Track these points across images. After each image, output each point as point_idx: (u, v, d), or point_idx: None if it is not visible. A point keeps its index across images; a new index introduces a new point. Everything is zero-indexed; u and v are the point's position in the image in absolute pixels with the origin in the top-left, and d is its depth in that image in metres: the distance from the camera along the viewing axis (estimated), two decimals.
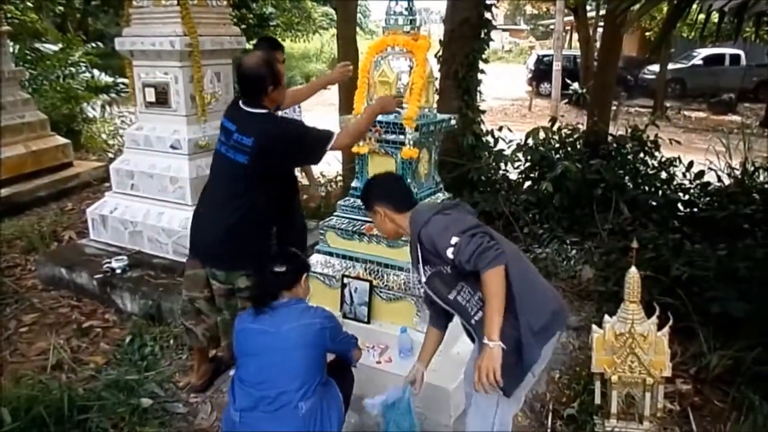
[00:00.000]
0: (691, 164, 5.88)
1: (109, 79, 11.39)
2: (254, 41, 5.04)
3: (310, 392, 2.38)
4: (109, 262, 4.44)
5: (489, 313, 2.15)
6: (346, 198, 3.68)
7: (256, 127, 2.87)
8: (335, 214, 3.65)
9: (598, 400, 3.04)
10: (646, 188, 5.88)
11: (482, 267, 2.12)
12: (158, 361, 3.67)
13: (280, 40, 4.68)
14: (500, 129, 6.45)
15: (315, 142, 2.94)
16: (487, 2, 6.19)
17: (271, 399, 2.37)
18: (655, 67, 17.29)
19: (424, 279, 2.39)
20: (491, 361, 2.11)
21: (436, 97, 4.33)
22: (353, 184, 3.66)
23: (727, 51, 18.67)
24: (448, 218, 2.29)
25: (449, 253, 2.17)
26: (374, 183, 2.67)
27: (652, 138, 6.19)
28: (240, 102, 3.00)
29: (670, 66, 17.49)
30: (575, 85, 16.48)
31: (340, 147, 3.08)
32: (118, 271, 4.38)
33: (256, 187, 2.93)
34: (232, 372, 2.71)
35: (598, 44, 11.82)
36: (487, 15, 6.18)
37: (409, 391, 2.57)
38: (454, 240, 2.16)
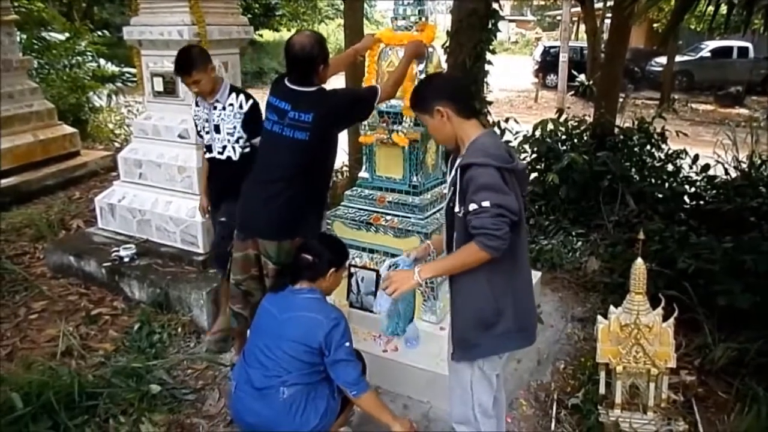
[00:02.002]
0: (696, 158, 5.86)
1: (116, 69, 11.40)
2: (260, 32, 5.03)
3: (291, 381, 2.40)
4: (118, 251, 4.47)
5: (442, 261, 2.28)
6: (353, 188, 3.70)
7: (314, 103, 2.88)
8: (342, 204, 3.67)
9: (602, 390, 3.05)
10: (653, 180, 5.87)
11: (478, 240, 2.07)
12: (166, 348, 3.71)
13: (285, 29, 4.65)
14: (507, 120, 6.43)
15: (365, 100, 3.05)
16: None
17: (258, 378, 2.43)
18: (663, 59, 17.18)
19: (447, 200, 2.34)
20: (403, 283, 2.21)
21: None
22: (360, 174, 3.67)
23: (736, 44, 18.56)
24: (498, 180, 2.10)
25: (471, 206, 2.08)
26: (438, 78, 2.49)
27: (659, 130, 6.18)
28: (287, 81, 2.98)
29: (678, 58, 17.39)
30: (582, 77, 16.41)
31: (387, 97, 3.14)
32: (126, 259, 4.41)
33: (314, 161, 2.96)
34: None
35: (605, 36, 11.76)
36: (495, 5, 6.15)
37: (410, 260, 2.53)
38: (485, 203, 2.05)
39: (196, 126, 3.66)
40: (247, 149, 3.48)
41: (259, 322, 2.56)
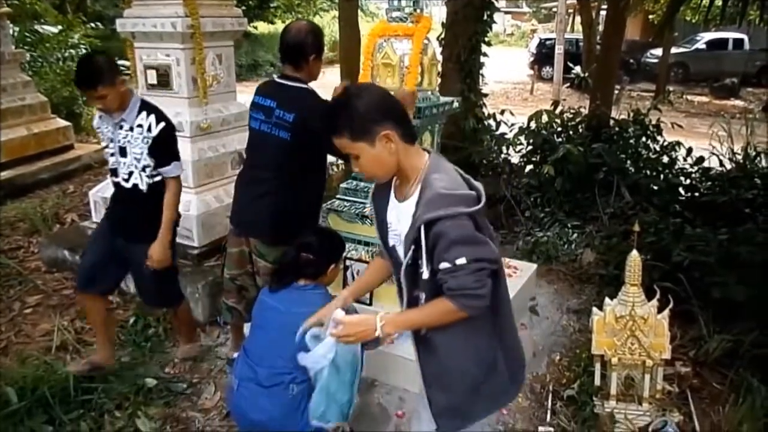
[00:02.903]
0: (690, 150, 5.87)
1: None
2: (254, 24, 5.00)
3: (301, 378, 2.39)
4: None
5: (411, 315, 1.87)
6: (348, 181, 3.69)
7: (296, 102, 2.85)
8: (337, 197, 3.66)
9: (597, 381, 3.07)
10: (648, 172, 5.87)
11: (456, 300, 1.75)
12: (162, 342, 3.71)
13: (280, 21, 4.63)
14: (502, 112, 6.44)
15: None
16: None
17: (266, 375, 2.42)
18: (658, 51, 17.19)
19: (406, 260, 1.85)
20: (360, 334, 1.88)
21: (439, 80, 4.31)
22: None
23: (731, 35, 18.59)
24: (472, 230, 1.74)
25: (443, 265, 1.73)
26: (371, 94, 1.81)
27: (654, 122, 6.18)
28: (276, 77, 2.97)
29: (673, 50, 17.40)
30: (577, 69, 16.42)
31: None
32: None
33: (300, 163, 2.92)
34: None
35: (600, 27, 11.75)
36: None
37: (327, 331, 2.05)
38: (460, 261, 1.71)
39: (102, 141, 3.19)
40: (157, 178, 3.04)
41: (262, 318, 2.54)
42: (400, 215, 1.87)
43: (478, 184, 1.83)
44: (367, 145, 1.76)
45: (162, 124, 2.98)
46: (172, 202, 3.08)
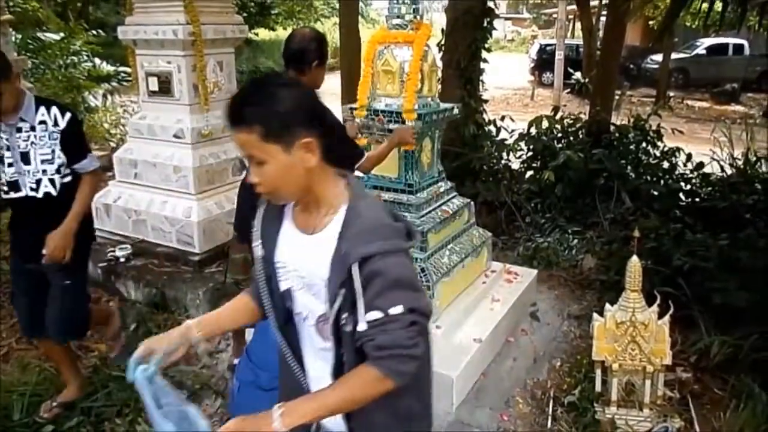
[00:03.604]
0: (690, 156, 5.88)
1: (111, 68, 11.37)
2: (255, 31, 5.03)
3: None
4: (113, 251, 4.46)
5: (321, 398, 1.43)
6: None
7: None
8: None
9: (598, 387, 3.06)
10: (648, 178, 5.88)
11: (382, 364, 1.39)
12: None
13: (281, 28, 4.65)
14: (502, 118, 6.44)
15: (350, 150, 2.98)
16: None
17: (267, 379, 2.41)
18: (658, 57, 17.20)
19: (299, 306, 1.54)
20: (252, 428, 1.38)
21: (439, 86, 4.33)
22: (356, 173, 3.67)
23: (731, 41, 18.58)
24: (412, 271, 1.50)
25: (373, 315, 1.37)
26: (295, 90, 1.45)
27: (654, 128, 6.19)
28: None
29: (674, 55, 17.40)
30: (578, 75, 16.41)
31: (363, 169, 3.08)
32: (122, 259, 4.41)
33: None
34: None
35: (601, 33, 11.78)
36: (490, 4, 6.16)
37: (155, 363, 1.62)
38: (395, 310, 1.37)
39: None
40: (68, 178, 2.77)
41: (266, 322, 2.55)
42: (307, 252, 1.48)
43: (405, 218, 1.54)
44: (281, 150, 1.38)
45: (68, 115, 2.73)
46: (87, 195, 2.82)
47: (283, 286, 1.55)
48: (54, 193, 2.72)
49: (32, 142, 2.67)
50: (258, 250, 1.59)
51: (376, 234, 1.39)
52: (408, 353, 1.40)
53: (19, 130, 2.65)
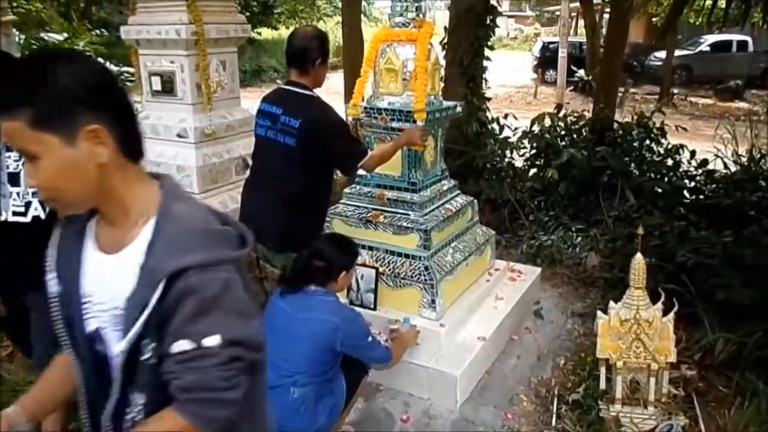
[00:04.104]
0: (694, 153, 5.87)
1: (114, 68, 11.41)
2: (258, 30, 5.04)
3: (303, 381, 2.40)
4: None
5: None
6: (352, 186, 3.70)
7: (302, 109, 2.88)
8: (341, 201, 3.67)
9: (603, 385, 3.06)
10: (652, 175, 5.86)
11: (187, 409, 1.11)
12: None
13: (284, 27, 4.67)
14: (506, 116, 6.43)
15: (353, 148, 3.00)
16: None
17: (269, 376, 2.42)
18: (662, 54, 17.15)
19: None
20: None
21: (442, 84, 4.33)
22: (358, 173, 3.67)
23: (735, 37, 18.52)
24: (240, 291, 1.15)
25: (179, 346, 1.09)
26: (89, 63, 1.16)
27: (658, 125, 6.17)
28: (282, 85, 3.03)
29: (677, 52, 17.36)
30: (581, 72, 16.38)
31: (366, 167, 3.07)
32: None
33: (307, 170, 2.93)
34: None
35: (604, 31, 11.75)
36: (493, 1, 6.15)
37: None
38: (210, 341, 1.09)
39: None
40: None
41: (271, 319, 2.56)
42: (109, 277, 1.17)
43: (238, 222, 1.28)
44: (59, 141, 1.08)
45: None
46: None
47: (90, 326, 1.21)
48: (42, 216, 2.37)
49: (24, 162, 2.29)
50: (52, 285, 1.23)
51: (192, 242, 1.11)
52: (219, 397, 1.11)
53: (9, 149, 2.33)
